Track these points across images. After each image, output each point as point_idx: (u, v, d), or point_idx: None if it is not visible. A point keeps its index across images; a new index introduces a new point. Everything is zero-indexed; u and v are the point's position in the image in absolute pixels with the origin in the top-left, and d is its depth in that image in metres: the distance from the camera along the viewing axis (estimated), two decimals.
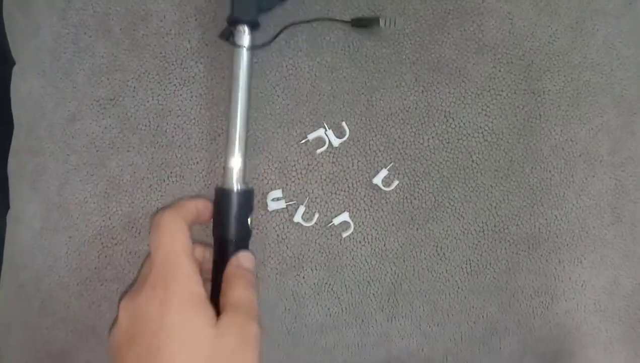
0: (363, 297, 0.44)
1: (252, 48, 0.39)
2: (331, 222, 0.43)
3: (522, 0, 0.44)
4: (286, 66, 0.42)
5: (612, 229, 0.45)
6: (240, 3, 0.37)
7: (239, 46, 0.38)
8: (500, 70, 0.43)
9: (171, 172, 0.42)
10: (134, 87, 0.42)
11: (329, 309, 0.44)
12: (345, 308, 0.44)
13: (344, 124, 0.42)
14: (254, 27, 0.38)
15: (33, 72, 0.45)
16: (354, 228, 0.43)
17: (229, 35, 0.39)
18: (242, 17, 0.38)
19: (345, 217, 0.43)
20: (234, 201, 0.37)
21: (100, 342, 0.45)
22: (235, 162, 0.38)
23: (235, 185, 0.38)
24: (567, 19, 0.44)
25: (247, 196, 0.39)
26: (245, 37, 0.38)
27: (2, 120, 0.49)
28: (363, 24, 0.41)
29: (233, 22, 0.38)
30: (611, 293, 0.46)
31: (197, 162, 0.42)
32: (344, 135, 0.42)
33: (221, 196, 0.38)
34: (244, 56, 0.38)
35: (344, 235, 0.43)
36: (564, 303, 0.45)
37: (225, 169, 0.38)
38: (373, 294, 0.44)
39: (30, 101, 0.45)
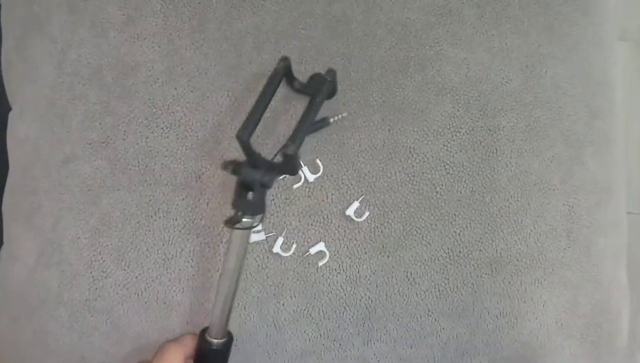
0: (340, 322, 0.47)
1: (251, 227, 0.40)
2: (308, 251, 0.46)
3: (476, 48, 0.48)
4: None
5: (568, 252, 0.49)
6: (254, 205, 0.39)
7: (245, 229, 0.40)
8: (458, 110, 0.48)
9: (158, 209, 0.46)
10: (124, 131, 0.46)
11: (307, 335, 0.47)
12: (324, 334, 0.47)
13: (318, 161, 0.46)
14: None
15: (30, 116, 0.49)
16: (330, 257, 0.46)
17: (236, 223, 0.39)
18: (256, 212, 0.40)
19: (321, 246, 0.46)
20: (212, 354, 0.42)
21: None
22: (219, 320, 0.41)
23: (215, 341, 0.41)
24: (518, 62, 0.49)
25: (226, 347, 0.42)
26: (250, 222, 0.40)
27: None
28: (316, 126, 0.45)
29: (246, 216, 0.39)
30: (571, 312, 0.49)
31: (183, 199, 0.46)
32: (319, 171, 0.46)
33: (202, 344, 0.42)
34: (245, 235, 0.40)
35: (320, 263, 0.46)
36: (527, 323, 0.48)
37: (211, 321, 0.42)
38: (349, 319, 0.47)
39: (26, 144, 0.49)
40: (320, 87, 0.43)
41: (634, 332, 0.55)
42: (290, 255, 0.46)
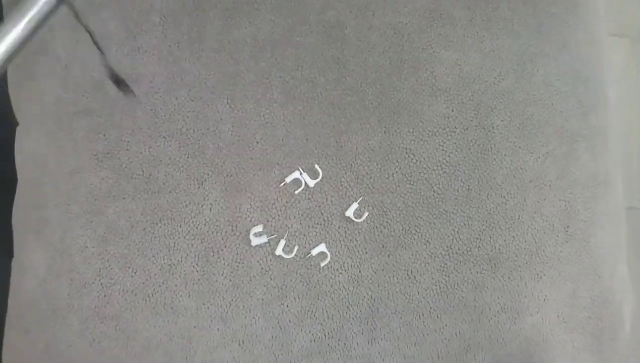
0: (344, 322, 0.48)
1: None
2: (310, 253, 0.47)
3: (468, 49, 0.50)
4: (263, 115, 0.48)
5: (567, 246, 0.49)
6: None
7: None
8: (453, 110, 0.49)
9: (163, 216, 0.47)
10: (128, 141, 0.47)
11: (312, 335, 0.48)
12: (328, 333, 0.48)
13: (316, 166, 0.47)
14: None
15: (37, 132, 0.50)
16: (331, 258, 0.47)
17: None
18: None
19: (322, 248, 0.47)
20: None
21: None
22: None
23: None
24: (509, 62, 0.50)
25: None
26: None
27: (6, 176, 0.53)
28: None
29: None
30: (572, 305, 0.49)
31: (186, 205, 0.47)
32: (318, 176, 0.47)
33: None
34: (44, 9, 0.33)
35: (322, 264, 0.47)
36: (529, 318, 0.49)
37: None
38: (353, 318, 0.48)
39: (34, 158, 0.50)
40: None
41: (637, 323, 0.55)
42: (292, 257, 0.47)
